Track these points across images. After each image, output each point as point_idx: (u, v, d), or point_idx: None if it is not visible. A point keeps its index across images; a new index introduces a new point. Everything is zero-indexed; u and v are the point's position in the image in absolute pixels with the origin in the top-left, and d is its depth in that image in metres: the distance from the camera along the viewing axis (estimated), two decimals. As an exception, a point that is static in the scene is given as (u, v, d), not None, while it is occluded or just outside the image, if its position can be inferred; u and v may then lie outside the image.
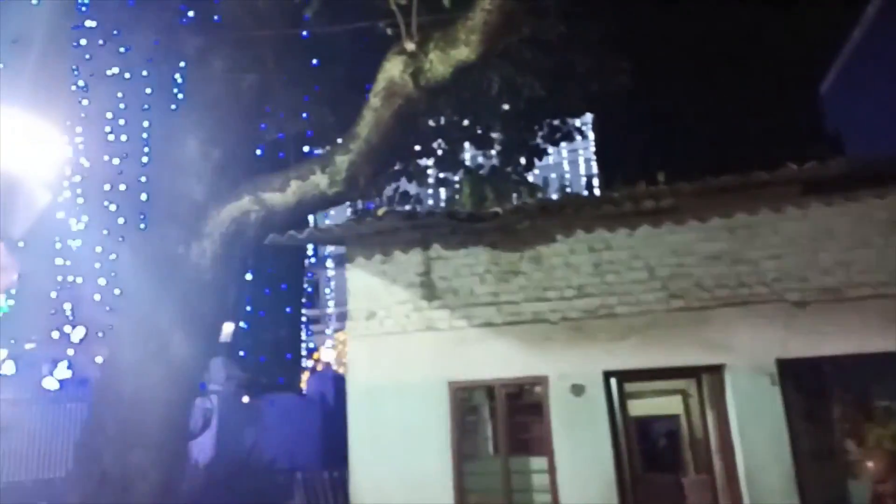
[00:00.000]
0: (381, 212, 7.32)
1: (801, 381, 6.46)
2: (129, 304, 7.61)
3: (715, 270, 6.61)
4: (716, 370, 6.58)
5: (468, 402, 7.11)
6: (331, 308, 31.30)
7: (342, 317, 29.93)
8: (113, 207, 8.53)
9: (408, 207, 10.09)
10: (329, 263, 30.63)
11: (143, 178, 8.40)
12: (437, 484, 6.75)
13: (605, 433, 6.48)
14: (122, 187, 8.36)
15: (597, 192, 6.72)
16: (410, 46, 6.83)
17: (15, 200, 5.91)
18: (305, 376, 20.51)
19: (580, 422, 6.56)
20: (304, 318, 29.13)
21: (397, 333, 7.31)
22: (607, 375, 6.64)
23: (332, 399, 15.50)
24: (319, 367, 19.14)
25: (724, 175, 6.56)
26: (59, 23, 7.66)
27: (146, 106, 8.45)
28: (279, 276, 20.43)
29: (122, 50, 7.79)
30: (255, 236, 7.79)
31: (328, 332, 28.11)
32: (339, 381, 16.64)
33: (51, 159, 6.22)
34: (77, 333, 11.37)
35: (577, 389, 6.61)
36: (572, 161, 31.15)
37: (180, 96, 8.32)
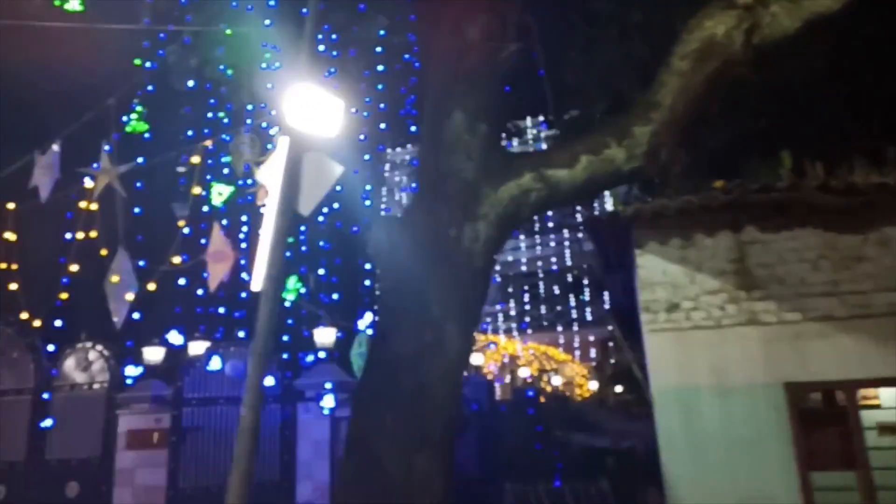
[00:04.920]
0: (719, 184, 6.47)
1: None
2: (399, 289, 6.87)
3: None
4: None
5: (811, 406, 6.16)
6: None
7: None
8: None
9: None
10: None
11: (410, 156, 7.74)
12: (779, 502, 5.82)
13: None
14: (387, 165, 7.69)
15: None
16: (747, -2, 5.98)
17: (310, 175, 5.27)
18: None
19: (971, 433, 5.56)
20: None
21: (710, 328, 6.41)
22: None
23: (487, 407, 14.66)
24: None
25: None
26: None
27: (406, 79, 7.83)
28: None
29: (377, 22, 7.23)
30: (529, 218, 7.04)
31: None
32: (490, 388, 15.84)
33: (339, 133, 5.57)
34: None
35: (963, 394, 5.61)
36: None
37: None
